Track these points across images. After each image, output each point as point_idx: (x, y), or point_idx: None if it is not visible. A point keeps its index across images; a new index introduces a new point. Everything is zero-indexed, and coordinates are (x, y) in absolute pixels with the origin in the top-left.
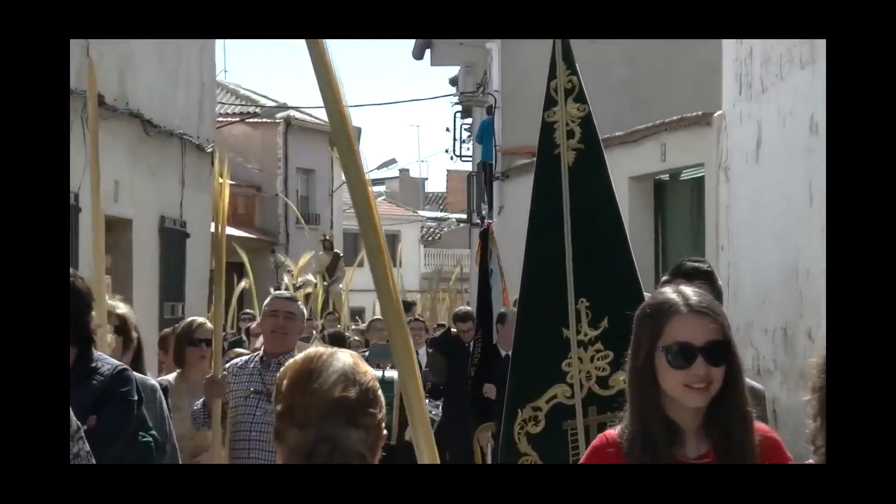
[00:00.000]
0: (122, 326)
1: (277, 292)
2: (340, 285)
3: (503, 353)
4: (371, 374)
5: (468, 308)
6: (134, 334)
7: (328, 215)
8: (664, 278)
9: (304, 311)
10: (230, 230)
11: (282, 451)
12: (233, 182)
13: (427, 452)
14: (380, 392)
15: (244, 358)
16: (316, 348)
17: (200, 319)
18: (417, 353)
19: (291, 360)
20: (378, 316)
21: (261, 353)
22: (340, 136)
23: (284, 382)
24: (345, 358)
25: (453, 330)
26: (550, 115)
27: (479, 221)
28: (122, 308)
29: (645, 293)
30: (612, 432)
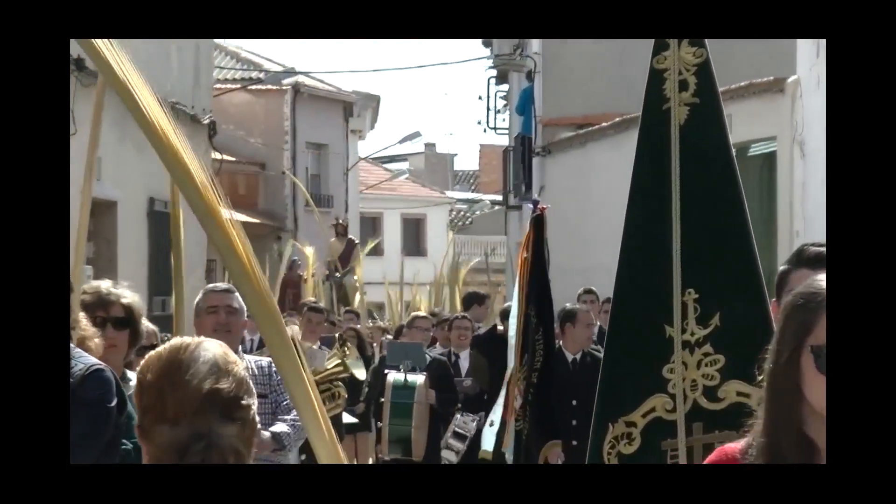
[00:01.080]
0: (127, 318)
1: (211, 285)
2: (355, 277)
3: (570, 358)
4: (241, 364)
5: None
6: (143, 327)
7: (342, 196)
8: (783, 267)
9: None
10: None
11: (148, 449)
12: (233, 159)
13: (324, 453)
14: (251, 384)
15: None
16: (181, 339)
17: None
18: (458, 356)
19: (154, 352)
20: (420, 312)
21: None
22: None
23: (149, 376)
24: (213, 347)
25: (500, 328)
26: (660, 60)
27: (531, 205)
28: (128, 297)
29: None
30: (734, 447)
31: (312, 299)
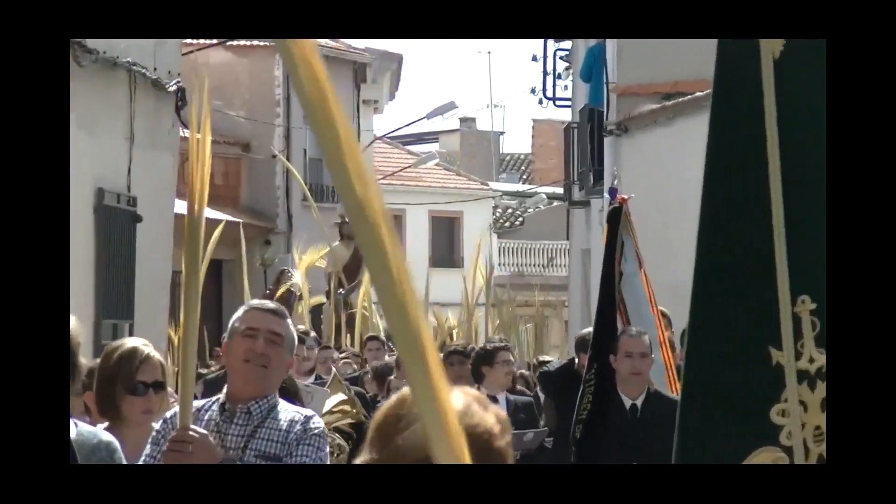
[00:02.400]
0: None
1: (256, 301)
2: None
3: (628, 403)
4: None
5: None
6: (81, 362)
7: None
8: None
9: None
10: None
11: None
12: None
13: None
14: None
15: (196, 404)
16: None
17: (144, 348)
18: (496, 400)
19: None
20: (454, 344)
21: (221, 395)
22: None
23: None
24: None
25: (577, 359)
26: None
27: (608, 195)
28: None
29: None
30: None
31: (301, 327)
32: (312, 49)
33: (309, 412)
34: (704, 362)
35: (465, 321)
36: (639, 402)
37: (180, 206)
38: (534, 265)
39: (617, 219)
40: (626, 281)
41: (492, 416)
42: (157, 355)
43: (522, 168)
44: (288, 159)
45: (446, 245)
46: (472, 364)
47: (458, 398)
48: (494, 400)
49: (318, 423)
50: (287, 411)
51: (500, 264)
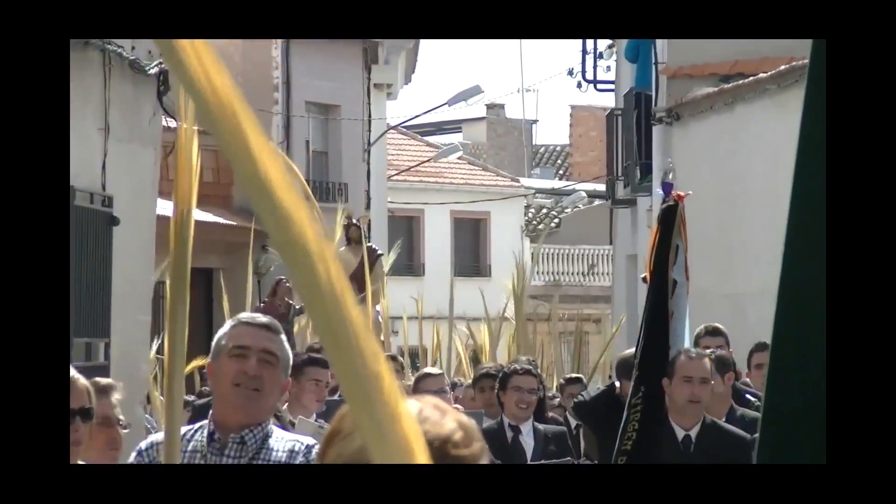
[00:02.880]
0: None
1: (245, 315)
2: (377, 307)
3: (680, 434)
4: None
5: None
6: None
7: (360, 184)
8: None
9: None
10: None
11: None
12: (195, 128)
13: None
14: None
15: (183, 429)
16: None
17: (103, 380)
18: (518, 431)
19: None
20: (484, 366)
21: (207, 423)
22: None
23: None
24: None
25: (618, 385)
26: None
27: (660, 191)
28: None
29: None
30: None
31: (316, 343)
32: (203, 47)
33: (310, 440)
34: (790, 396)
35: (496, 338)
36: (693, 433)
37: (164, 207)
38: (572, 273)
39: (671, 219)
40: (675, 292)
41: (450, 423)
42: (82, 379)
43: (558, 162)
44: (287, 152)
45: (471, 251)
46: (496, 389)
47: (413, 405)
48: (517, 430)
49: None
50: (284, 440)
51: (536, 273)
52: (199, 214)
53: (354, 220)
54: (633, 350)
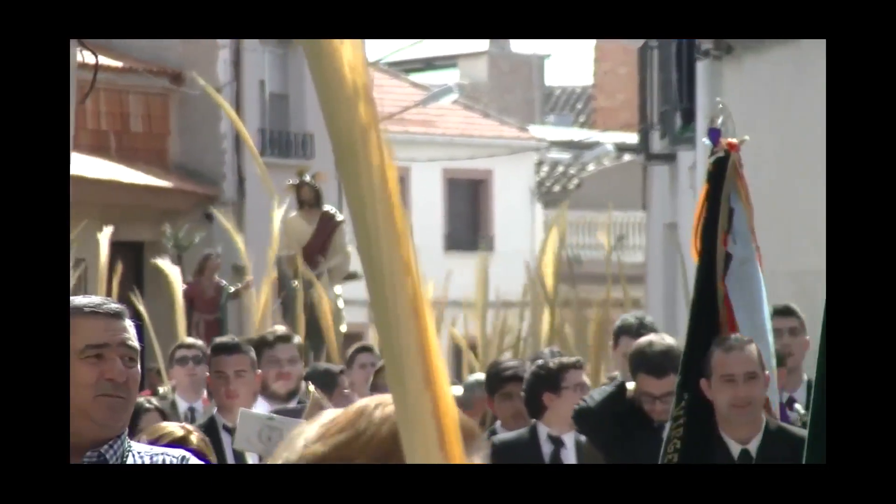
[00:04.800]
0: None
1: (83, 300)
2: (337, 288)
3: (735, 449)
4: None
5: (668, 343)
6: None
7: (328, 136)
8: None
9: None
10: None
11: None
12: (120, 64)
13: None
14: None
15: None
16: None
17: None
18: (562, 443)
19: None
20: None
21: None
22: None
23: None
24: None
25: (630, 386)
26: None
27: (706, 141)
28: None
29: None
30: None
31: (281, 328)
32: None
33: (183, 453)
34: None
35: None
36: (753, 447)
37: (80, 165)
38: (595, 247)
39: (721, 174)
40: (734, 270)
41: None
42: None
43: (578, 107)
44: (237, 96)
45: (468, 218)
46: (529, 390)
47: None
48: (559, 442)
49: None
50: (150, 454)
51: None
52: (124, 173)
53: (308, 178)
54: (651, 338)
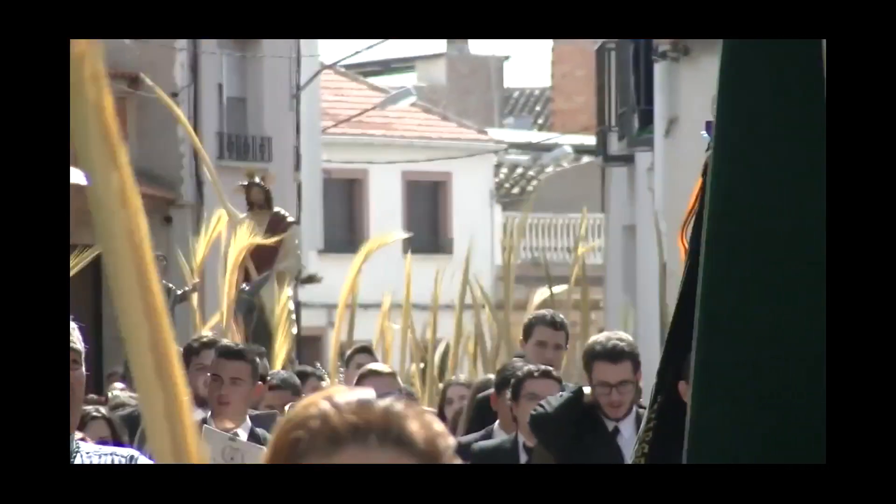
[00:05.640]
0: None
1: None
2: (289, 290)
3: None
4: None
5: (625, 338)
6: None
7: (289, 139)
8: None
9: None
10: (71, 173)
11: None
12: None
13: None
14: None
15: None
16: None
17: None
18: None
19: None
20: (376, 366)
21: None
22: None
23: None
24: None
25: (587, 391)
26: None
27: (704, 133)
28: None
29: None
30: None
31: (207, 334)
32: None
33: (132, 452)
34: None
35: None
36: None
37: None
38: (554, 249)
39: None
40: None
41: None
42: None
43: (537, 109)
44: (195, 99)
45: (428, 221)
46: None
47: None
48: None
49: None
50: (96, 453)
51: (504, 248)
52: (81, 176)
53: (257, 180)
54: (607, 333)
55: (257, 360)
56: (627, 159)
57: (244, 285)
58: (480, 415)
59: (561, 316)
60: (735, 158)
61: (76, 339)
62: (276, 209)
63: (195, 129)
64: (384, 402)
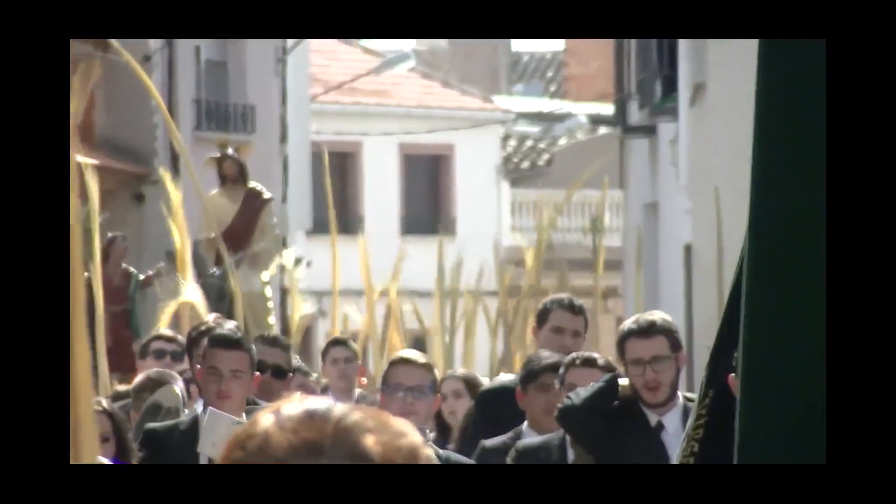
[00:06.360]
0: None
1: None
2: (266, 275)
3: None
4: None
5: (659, 317)
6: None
7: (273, 108)
8: None
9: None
10: None
11: None
12: None
13: None
14: None
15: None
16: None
17: None
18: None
19: None
20: (409, 354)
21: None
22: None
23: None
24: None
25: (623, 382)
26: None
27: None
28: None
29: None
30: None
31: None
32: None
33: None
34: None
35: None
36: None
37: None
38: (568, 230)
39: None
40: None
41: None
42: None
43: (548, 75)
44: (170, 65)
45: (427, 198)
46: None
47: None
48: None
49: None
50: None
51: (513, 228)
52: None
53: (230, 152)
54: (637, 317)
55: (253, 347)
56: (648, 130)
57: (213, 269)
58: (486, 412)
59: (580, 301)
60: (778, 152)
61: None
62: (251, 184)
63: (170, 96)
64: (335, 415)
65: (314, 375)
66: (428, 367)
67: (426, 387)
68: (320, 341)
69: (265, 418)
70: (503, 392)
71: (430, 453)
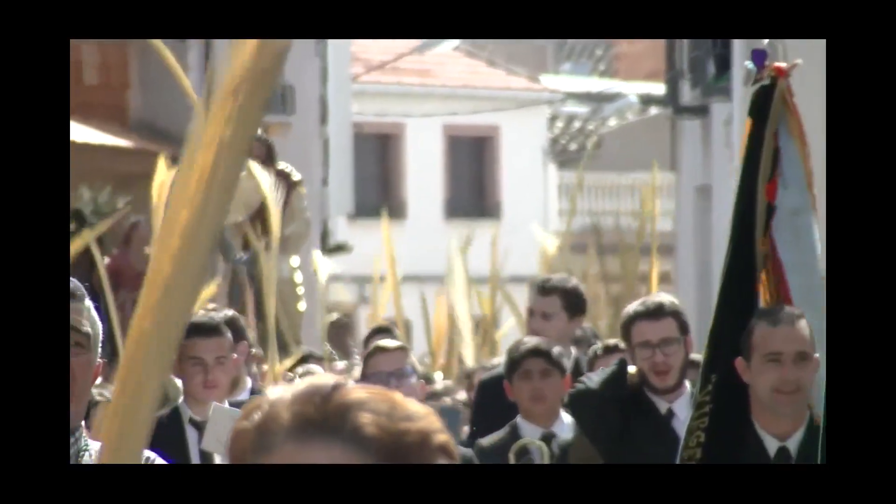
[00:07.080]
0: None
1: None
2: (294, 260)
3: (772, 447)
4: None
5: (667, 299)
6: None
7: (312, 88)
8: None
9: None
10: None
11: None
12: None
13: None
14: None
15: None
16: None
17: None
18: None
19: None
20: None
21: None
22: None
23: None
24: None
25: (631, 370)
26: None
27: (749, 63)
28: None
29: None
30: None
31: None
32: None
33: (147, 453)
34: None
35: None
36: (792, 444)
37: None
38: (617, 213)
39: (766, 107)
40: (782, 222)
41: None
42: None
43: (597, 54)
44: (207, 44)
45: (472, 181)
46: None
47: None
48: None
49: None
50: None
51: (560, 212)
52: (77, 132)
53: (261, 134)
54: (644, 299)
55: (229, 331)
56: (701, 111)
57: (241, 254)
58: (485, 403)
59: (554, 282)
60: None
61: (82, 320)
62: (280, 165)
63: (204, 75)
64: (335, 392)
65: (342, 363)
66: (403, 350)
67: (405, 369)
68: (362, 330)
69: (275, 391)
70: (500, 381)
71: (445, 439)
